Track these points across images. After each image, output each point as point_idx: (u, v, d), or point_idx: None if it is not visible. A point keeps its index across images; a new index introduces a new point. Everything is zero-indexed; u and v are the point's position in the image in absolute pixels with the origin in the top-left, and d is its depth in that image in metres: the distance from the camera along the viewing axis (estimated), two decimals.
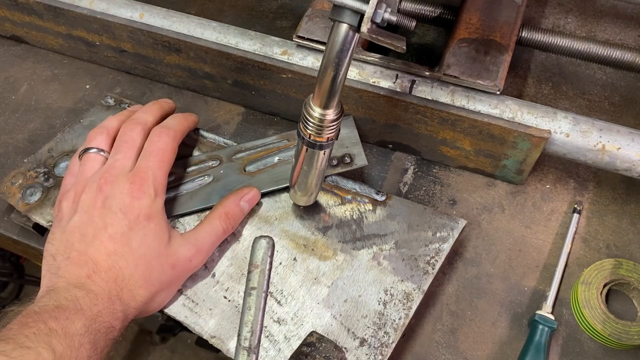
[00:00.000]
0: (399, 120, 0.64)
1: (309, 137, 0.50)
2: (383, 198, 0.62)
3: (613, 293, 0.61)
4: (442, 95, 0.61)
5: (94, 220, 0.54)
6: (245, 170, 0.64)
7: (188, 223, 0.63)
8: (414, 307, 0.57)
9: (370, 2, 0.42)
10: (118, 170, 0.57)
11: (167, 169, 0.59)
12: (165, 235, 0.56)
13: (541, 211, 0.66)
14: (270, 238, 0.45)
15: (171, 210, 0.62)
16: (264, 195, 0.63)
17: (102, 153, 0.60)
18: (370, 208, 0.62)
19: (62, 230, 0.55)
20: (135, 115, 0.62)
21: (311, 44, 0.63)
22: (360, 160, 0.64)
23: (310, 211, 0.63)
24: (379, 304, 0.57)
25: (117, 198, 0.55)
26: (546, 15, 0.80)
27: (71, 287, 0.51)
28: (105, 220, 0.54)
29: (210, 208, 0.61)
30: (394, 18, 0.44)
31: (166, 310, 0.58)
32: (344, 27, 0.44)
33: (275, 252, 0.46)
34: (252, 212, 0.63)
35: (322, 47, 0.62)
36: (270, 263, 0.45)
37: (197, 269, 0.59)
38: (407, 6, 0.70)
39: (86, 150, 0.60)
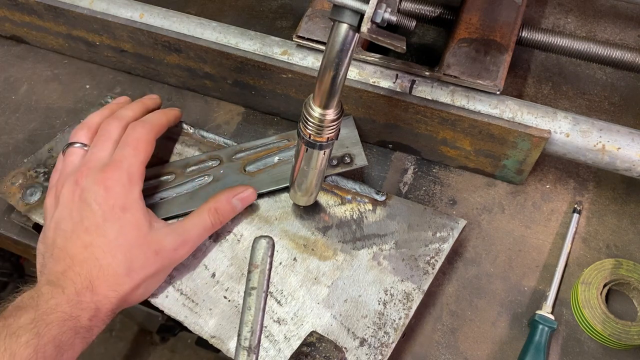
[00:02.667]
0: (399, 120, 0.64)
1: (309, 137, 0.50)
2: (383, 198, 0.62)
3: (613, 293, 0.61)
4: (442, 95, 0.61)
5: (72, 214, 0.55)
6: (245, 170, 0.64)
7: None
8: (414, 307, 0.57)
9: (370, 2, 0.42)
10: (94, 163, 0.57)
11: (143, 157, 0.58)
12: (145, 224, 0.56)
13: (541, 211, 0.66)
14: (270, 238, 0.45)
15: (171, 210, 0.62)
16: (264, 195, 0.63)
17: (85, 148, 0.60)
18: (370, 208, 0.62)
19: (47, 228, 0.56)
20: (116, 112, 0.63)
21: (311, 44, 0.63)
22: (360, 160, 0.64)
23: (310, 211, 0.63)
24: (379, 304, 0.57)
25: (91, 190, 0.55)
26: (546, 15, 0.80)
27: (43, 284, 0.51)
28: (81, 213, 0.54)
29: None
30: (394, 18, 0.44)
31: (166, 311, 0.58)
32: (344, 27, 0.44)
33: (275, 252, 0.46)
34: (252, 212, 0.63)
35: (322, 47, 0.62)
36: (270, 263, 0.45)
37: (182, 260, 0.58)
38: (407, 6, 0.70)
39: (68, 145, 0.60)
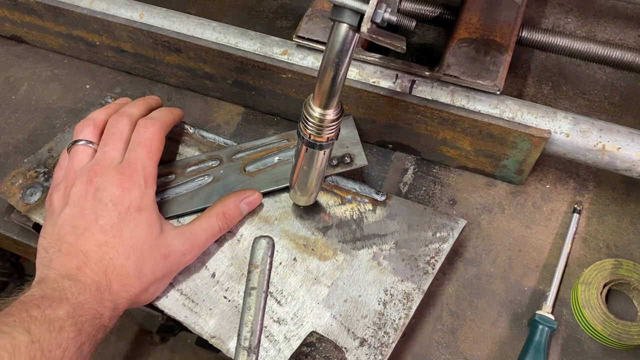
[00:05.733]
0: (399, 120, 0.64)
1: (309, 137, 0.50)
2: (383, 198, 0.62)
3: (613, 293, 0.61)
4: (442, 95, 0.61)
5: (85, 212, 0.55)
6: (245, 170, 0.64)
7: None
8: (414, 307, 0.57)
9: (370, 2, 0.42)
10: (107, 162, 0.57)
11: (156, 159, 0.59)
12: (157, 226, 0.56)
13: (541, 211, 0.66)
14: (270, 238, 0.45)
15: (171, 210, 0.62)
16: (264, 195, 0.63)
17: (90, 145, 0.60)
18: (370, 208, 0.62)
19: (54, 224, 0.55)
20: (122, 109, 0.63)
21: (311, 44, 0.63)
22: (360, 160, 0.64)
23: (310, 211, 0.63)
24: (379, 304, 0.57)
25: (107, 190, 0.55)
26: (546, 15, 0.80)
27: (60, 278, 0.51)
28: (96, 212, 0.54)
29: None
30: (394, 18, 0.44)
31: (166, 311, 0.58)
32: (344, 27, 0.44)
33: (275, 252, 0.46)
34: (252, 212, 0.63)
35: (322, 47, 0.62)
36: (270, 263, 0.45)
37: (189, 263, 0.59)
38: (407, 6, 0.70)
39: (74, 142, 0.60)
